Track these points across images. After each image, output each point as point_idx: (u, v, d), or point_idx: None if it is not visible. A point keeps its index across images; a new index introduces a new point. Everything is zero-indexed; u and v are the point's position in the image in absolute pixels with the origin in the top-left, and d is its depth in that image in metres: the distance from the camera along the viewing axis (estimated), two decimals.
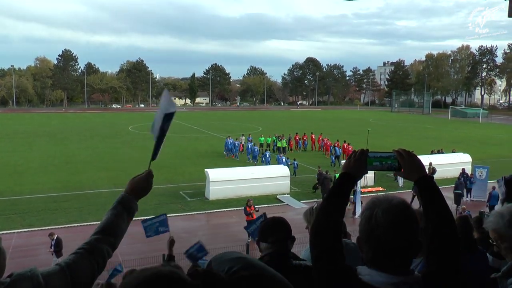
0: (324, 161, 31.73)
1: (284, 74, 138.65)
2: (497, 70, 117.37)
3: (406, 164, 1.83)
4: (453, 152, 31.91)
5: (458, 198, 20.90)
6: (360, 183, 21.04)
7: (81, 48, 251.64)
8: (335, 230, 1.74)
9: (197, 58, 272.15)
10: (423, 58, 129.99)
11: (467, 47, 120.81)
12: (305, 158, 33.46)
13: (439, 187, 1.81)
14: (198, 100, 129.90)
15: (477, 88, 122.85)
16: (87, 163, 31.69)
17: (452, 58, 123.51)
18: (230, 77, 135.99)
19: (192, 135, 48.73)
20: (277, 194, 23.13)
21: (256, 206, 18.03)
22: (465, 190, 22.84)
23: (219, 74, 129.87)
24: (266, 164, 29.36)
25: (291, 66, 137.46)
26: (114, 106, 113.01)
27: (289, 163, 27.78)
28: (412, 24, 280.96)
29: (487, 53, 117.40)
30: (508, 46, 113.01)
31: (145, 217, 5.79)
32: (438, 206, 1.75)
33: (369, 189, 23.82)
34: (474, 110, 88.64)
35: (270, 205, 21.49)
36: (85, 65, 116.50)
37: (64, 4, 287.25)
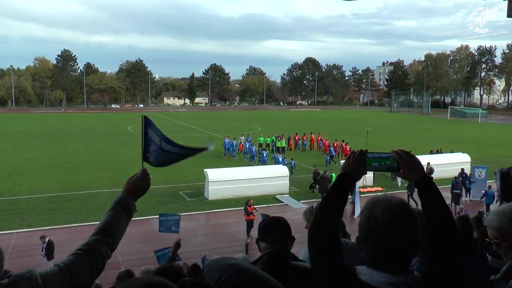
0: (322, 161, 31.76)
1: (283, 74, 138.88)
2: (496, 70, 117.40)
3: (405, 164, 1.83)
4: (452, 152, 31.95)
5: (457, 198, 20.91)
6: (359, 183, 21.05)
7: (80, 48, 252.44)
8: (334, 230, 1.74)
9: (196, 58, 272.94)
10: (422, 58, 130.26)
11: (466, 47, 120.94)
12: (304, 158, 33.50)
13: (438, 187, 1.81)
14: (197, 100, 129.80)
15: (476, 88, 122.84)
16: (87, 163, 31.68)
17: (451, 58, 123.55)
18: (229, 77, 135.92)
19: (191, 135, 48.72)
20: (277, 194, 23.14)
21: (255, 206, 18.05)
22: (464, 190, 22.88)
23: (218, 74, 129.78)
24: (263, 163, 29.50)
25: (290, 66, 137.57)
26: (113, 106, 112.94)
27: (286, 162, 27.84)
28: (411, 24, 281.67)
29: (486, 53, 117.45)
30: (507, 46, 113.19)
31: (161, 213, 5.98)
32: (438, 206, 1.75)
33: (368, 189, 23.85)
34: (473, 110, 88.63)
35: (269, 205, 21.49)
36: (84, 65, 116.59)
37: (63, 4, 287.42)
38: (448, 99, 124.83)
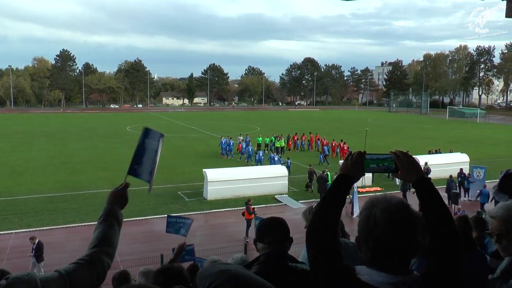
0: (318, 161, 31.81)
1: (282, 74, 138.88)
2: (495, 70, 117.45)
3: (403, 165, 1.83)
4: (450, 152, 31.98)
5: (455, 198, 20.92)
6: (358, 183, 21.04)
7: (79, 48, 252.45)
8: (332, 230, 1.74)
9: (195, 58, 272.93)
10: (421, 58, 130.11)
11: (465, 47, 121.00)
12: (302, 158, 33.49)
13: (437, 187, 1.82)
14: (196, 100, 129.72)
15: (474, 88, 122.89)
16: (86, 163, 31.66)
17: (450, 58, 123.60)
18: (228, 77, 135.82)
19: (190, 135, 48.73)
20: (275, 194, 23.14)
21: (254, 207, 18.04)
22: (462, 190, 22.91)
23: (217, 74, 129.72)
24: (258, 163, 29.54)
25: (289, 66, 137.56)
26: (112, 106, 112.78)
27: (282, 162, 27.82)
28: (410, 24, 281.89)
29: (485, 53, 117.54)
30: (506, 46, 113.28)
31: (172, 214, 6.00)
32: (436, 207, 1.75)
33: (367, 189, 23.86)
34: (471, 110, 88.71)
35: (268, 205, 21.50)
36: (83, 65, 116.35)
37: (62, 4, 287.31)
38: (446, 99, 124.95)
